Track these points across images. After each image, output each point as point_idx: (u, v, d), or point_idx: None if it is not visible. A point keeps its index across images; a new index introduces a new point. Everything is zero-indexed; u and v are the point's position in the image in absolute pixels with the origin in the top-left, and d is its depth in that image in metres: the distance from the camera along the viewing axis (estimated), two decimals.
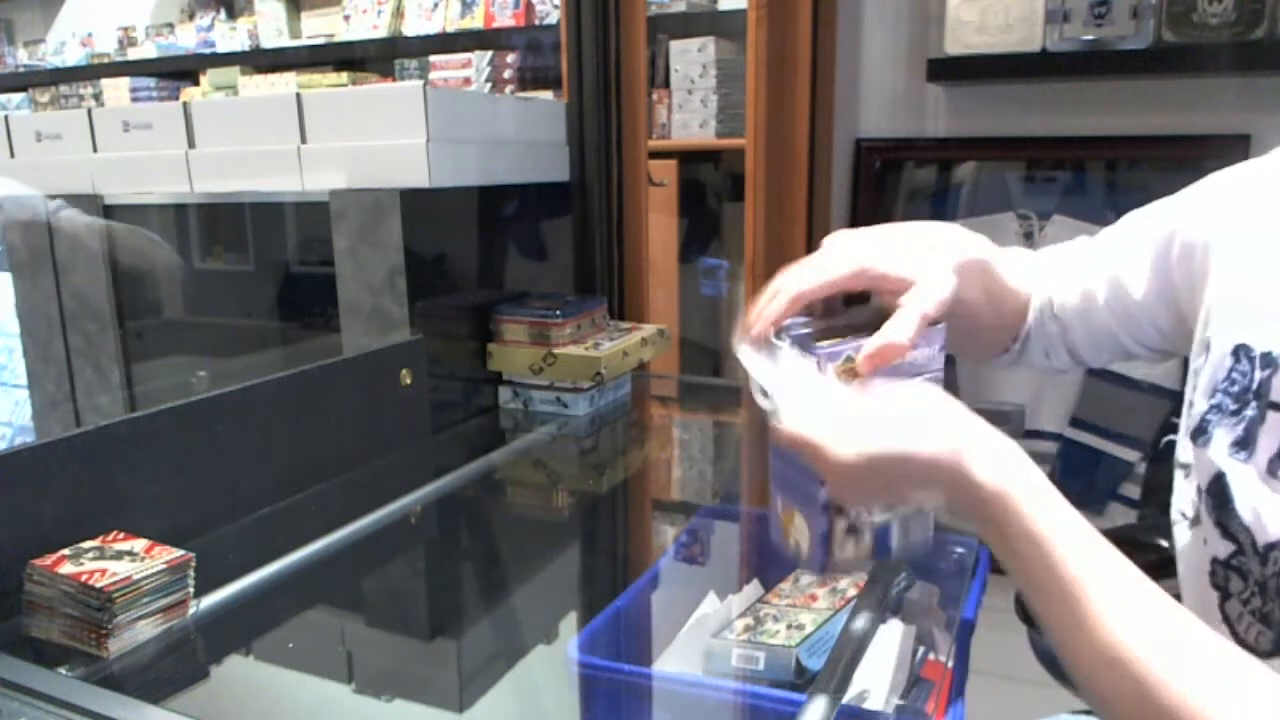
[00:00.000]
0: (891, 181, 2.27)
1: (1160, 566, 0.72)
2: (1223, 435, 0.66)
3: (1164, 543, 0.82)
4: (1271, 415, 0.63)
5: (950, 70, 2.04)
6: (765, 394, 0.65)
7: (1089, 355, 0.85)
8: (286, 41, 3.31)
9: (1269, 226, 0.67)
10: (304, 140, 1.32)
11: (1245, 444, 0.64)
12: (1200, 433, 0.69)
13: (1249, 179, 0.72)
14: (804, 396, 0.64)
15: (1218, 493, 0.66)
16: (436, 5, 3.02)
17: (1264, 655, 0.63)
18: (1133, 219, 0.82)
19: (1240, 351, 0.66)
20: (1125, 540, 0.73)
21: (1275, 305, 0.65)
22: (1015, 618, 0.98)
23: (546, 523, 1.21)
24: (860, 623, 0.61)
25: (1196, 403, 0.70)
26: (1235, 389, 0.66)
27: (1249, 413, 0.64)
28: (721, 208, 2.63)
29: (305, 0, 3.33)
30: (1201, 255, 0.72)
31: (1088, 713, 1.04)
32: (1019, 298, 0.85)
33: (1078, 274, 0.84)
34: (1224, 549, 0.67)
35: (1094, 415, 1.83)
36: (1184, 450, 0.71)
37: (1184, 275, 0.74)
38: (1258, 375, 0.64)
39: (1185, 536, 0.71)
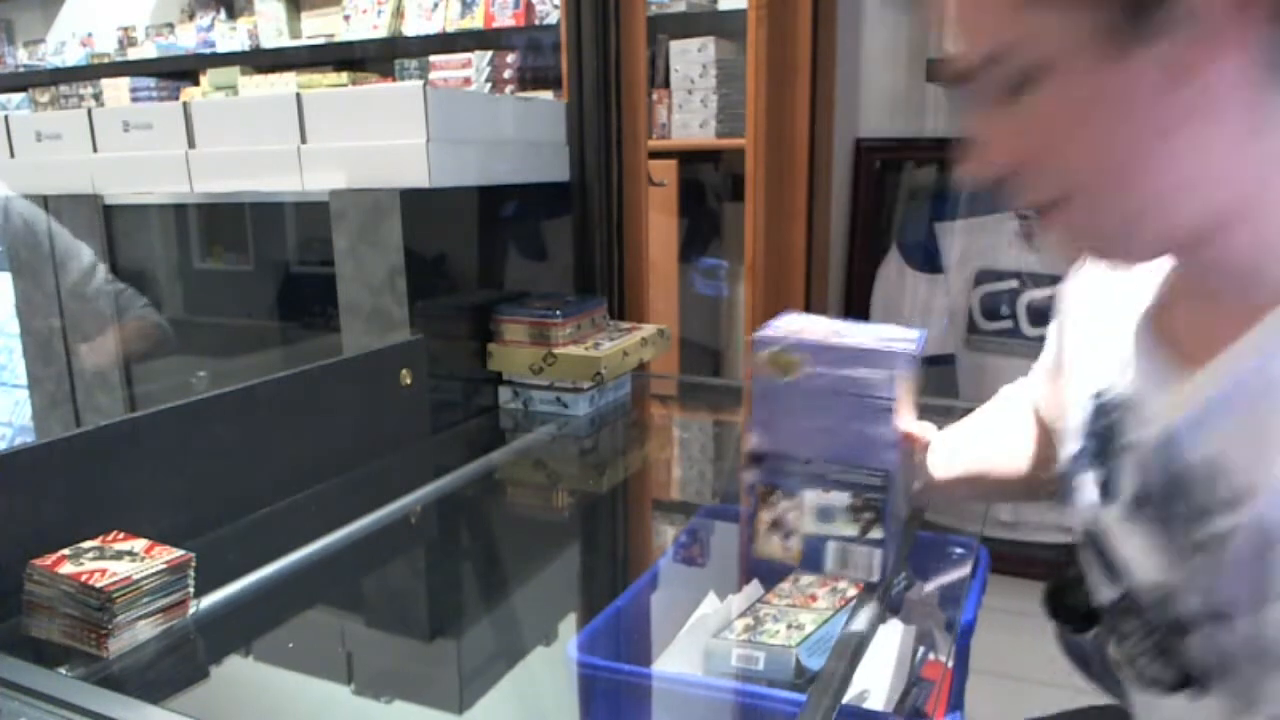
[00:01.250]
0: (891, 181, 2.28)
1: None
2: (1089, 482, 0.67)
3: None
4: (1127, 456, 0.63)
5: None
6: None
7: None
8: (286, 41, 3.31)
9: (1105, 285, 0.71)
10: (304, 140, 1.32)
11: (1108, 488, 0.65)
12: (1067, 485, 0.70)
13: (1086, 266, 0.76)
14: None
15: (1092, 540, 0.68)
16: (436, 5, 3.02)
17: (1169, 689, 0.63)
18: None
19: (1100, 395, 0.68)
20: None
21: (1120, 350, 0.66)
22: (1016, 617, 0.98)
23: (546, 523, 1.21)
24: (860, 623, 0.61)
25: (1063, 458, 0.72)
26: (1098, 430, 0.67)
27: (1110, 459, 0.65)
28: (721, 208, 2.63)
29: (305, 0, 3.33)
30: (1059, 348, 0.78)
31: (1086, 710, 1.04)
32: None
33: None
34: (1110, 593, 0.67)
35: None
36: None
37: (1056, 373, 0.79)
38: (1113, 418, 0.66)
39: None
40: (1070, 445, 0.71)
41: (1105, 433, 0.66)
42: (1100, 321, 0.71)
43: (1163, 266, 0.65)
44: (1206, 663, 0.59)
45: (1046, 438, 0.85)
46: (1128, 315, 0.67)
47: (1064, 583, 0.80)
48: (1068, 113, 0.52)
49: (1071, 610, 0.87)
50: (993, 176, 0.56)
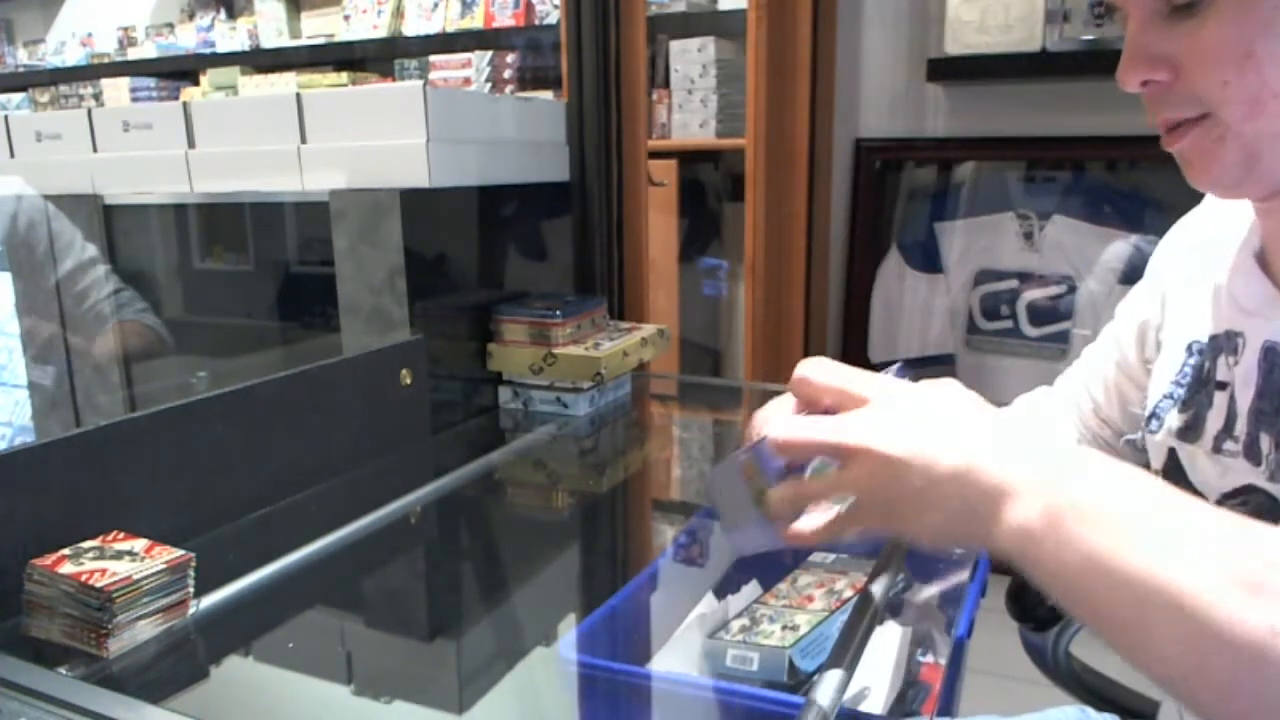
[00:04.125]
0: (891, 181, 2.28)
1: None
2: (1173, 419, 0.71)
3: None
4: (1217, 395, 0.68)
5: (950, 70, 2.04)
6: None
7: (1127, 426, 0.86)
8: (286, 41, 3.31)
9: (1201, 238, 0.75)
10: (304, 140, 1.32)
11: (1193, 426, 0.69)
12: (1153, 418, 0.74)
13: (1187, 221, 0.79)
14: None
15: (1172, 473, 0.71)
16: (436, 5, 3.02)
17: None
18: (1122, 304, 0.87)
19: (1191, 347, 0.72)
20: None
21: (1214, 297, 0.70)
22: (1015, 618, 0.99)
23: (546, 523, 1.21)
24: (858, 624, 0.61)
25: (1151, 395, 0.76)
26: (1187, 379, 0.71)
27: (1200, 398, 0.69)
28: (721, 208, 2.63)
29: (305, 0, 3.33)
30: (1162, 301, 0.79)
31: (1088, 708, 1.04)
32: None
33: (1090, 363, 0.89)
34: None
35: None
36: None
37: (1160, 320, 0.80)
38: (1205, 363, 0.70)
39: None
40: (1157, 388, 0.74)
41: (1196, 376, 0.70)
42: (1192, 283, 0.74)
43: (1253, 218, 0.68)
44: None
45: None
46: (1219, 270, 0.70)
47: (1025, 584, 0.80)
48: (1234, 34, 0.53)
49: (1031, 611, 0.88)
50: (1142, 86, 0.58)
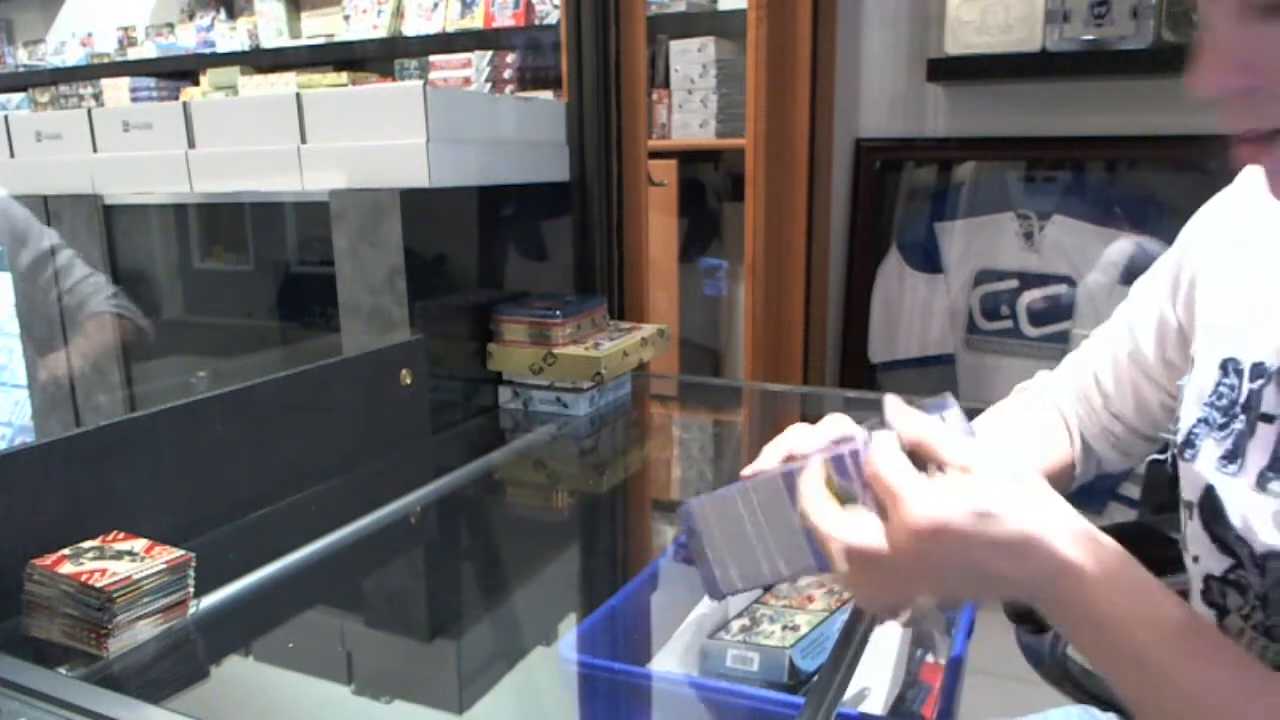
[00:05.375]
0: (891, 181, 2.27)
1: (1158, 562, 0.73)
2: (1211, 448, 0.67)
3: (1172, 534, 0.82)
4: (1262, 427, 0.63)
5: (950, 70, 2.04)
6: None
7: (1140, 423, 0.83)
8: (286, 41, 3.31)
9: (1241, 233, 0.69)
10: (304, 140, 1.32)
11: (1234, 457, 0.65)
12: (1188, 446, 0.69)
13: (1222, 205, 0.74)
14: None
15: (1209, 506, 0.66)
16: (436, 5, 3.02)
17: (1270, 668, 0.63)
18: (1140, 282, 0.82)
19: (1228, 365, 0.67)
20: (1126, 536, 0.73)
21: (1259, 318, 0.65)
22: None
23: (546, 523, 1.21)
24: (857, 624, 0.61)
25: (1184, 417, 0.71)
26: (1223, 402, 0.67)
27: (1237, 425, 0.65)
28: (721, 208, 2.63)
29: (305, 0, 3.33)
30: (1189, 288, 0.74)
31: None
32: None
33: (1102, 349, 0.84)
34: (1220, 564, 0.66)
35: None
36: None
37: (1186, 315, 0.75)
38: (1246, 387, 0.65)
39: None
40: (1190, 411, 0.70)
41: (1233, 401, 0.66)
42: (1228, 280, 0.69)
43: None
44: None
45: (1096, 425, 0.84)
46: (1264, 278, 0.66)
47: None
48: None
49: (1028, 612, 0.88)
50: (1218, 94, 0.54)
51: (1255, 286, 0.66)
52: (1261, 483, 0.62)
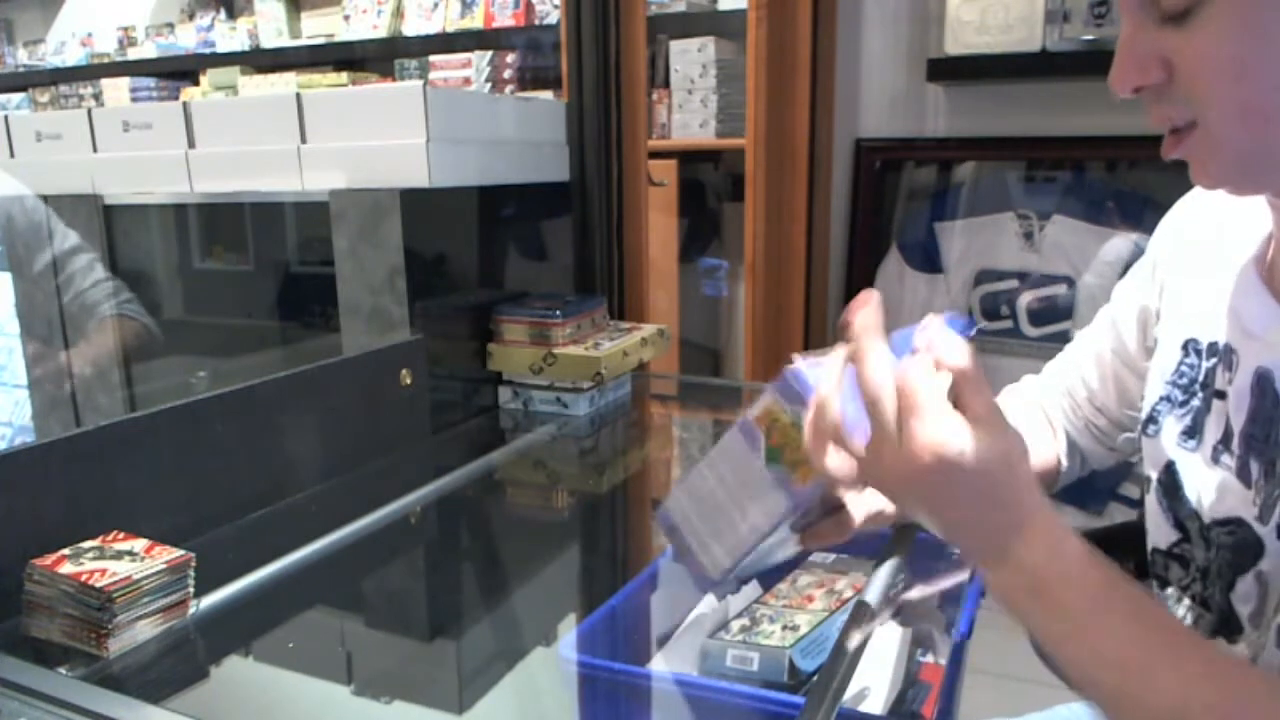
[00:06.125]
0: (891, 181, 2.28)
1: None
2: (1172, 425, 0.71)
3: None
4: (1216, 403, 0.67)
5: (950, 70, 2.04)
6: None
7: (1123, 415, 0.85)
8: (286, 41, 3.31)
9: (1205, 233, 0.73)
10: (304, 140, 1.32)
11: (1193, 433, 0.69)
12: (1151, 422, 0.73)
13: (1186, 207, 0.78)
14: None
15: (1168, 481, 0.70)
16: (436, 5, 3.02)
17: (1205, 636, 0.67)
18: (1120, 284, 0.85)
19: (1189, 345, 0.71)
20: (1124, 537, 0.74)
21: (1217, 302, 0.69)
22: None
23: (546, 523, 1.21)
24: (857, 624, 0.61)
25: (1148, 396, 0.75)
26: (1184, 381, 0.71)
27: (1195, 403, 0.69)
28: (721, 208, 2.63)
29: (305, 0, 3.33)
30: (1161, 285, 0.77)
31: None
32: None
33: (1085, 348, 0.87)
34: (1167, 539, 0.71)
35: None
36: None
37: (1161, 304, 0.78)
38: (1204, 365, 0.69)
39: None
40: (1154, 389, 0.73)
41: (1193, 380, 0.69)
42: (1192, 276, 0.73)
43: (1265, 220, 0.66)
44: (1245, 608, 0.63)
45: (1083, 423, 0.86)
46: (1223, 271, 0.69)
47: None
48: (1226, 42, 0.53)
49: None
50: (1135, 89, 0.57)
51: (1212, 281, 0.70)
52: (1214, 455, 0.66)
